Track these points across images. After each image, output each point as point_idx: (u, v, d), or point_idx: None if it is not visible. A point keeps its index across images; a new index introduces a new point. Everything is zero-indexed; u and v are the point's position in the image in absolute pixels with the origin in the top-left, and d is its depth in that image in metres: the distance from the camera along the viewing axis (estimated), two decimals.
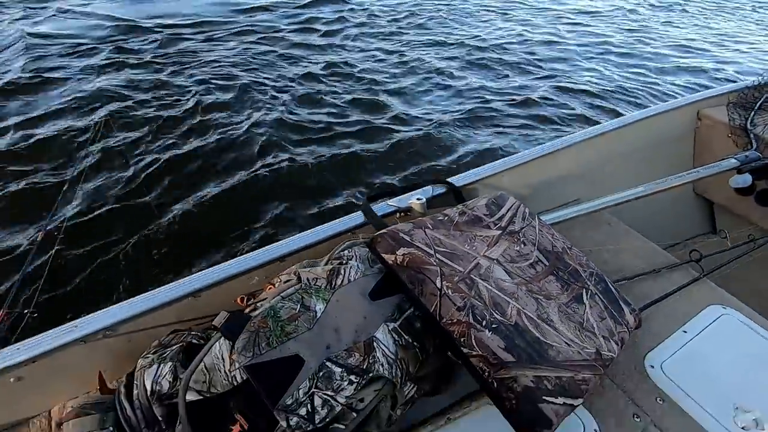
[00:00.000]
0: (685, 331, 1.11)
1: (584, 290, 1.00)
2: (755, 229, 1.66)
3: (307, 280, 0.87)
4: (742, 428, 0.91)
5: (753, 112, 1.70)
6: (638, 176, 1.46)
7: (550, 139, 1.68)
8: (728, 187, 1.76)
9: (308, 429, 0.70)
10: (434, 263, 0.86)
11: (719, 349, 1.06)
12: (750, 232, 1.60)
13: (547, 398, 0.72)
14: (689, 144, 1.79)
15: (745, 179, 1.59)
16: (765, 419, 0.92)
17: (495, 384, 0.74)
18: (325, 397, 0.73)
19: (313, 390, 0.73)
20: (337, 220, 1.12)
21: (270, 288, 0.91)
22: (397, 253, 0.87)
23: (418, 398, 0.86)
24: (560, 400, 0.73)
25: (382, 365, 0.77)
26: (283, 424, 0.70)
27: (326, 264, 0.91)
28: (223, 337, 0.79)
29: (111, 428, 0.72)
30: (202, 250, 2.43)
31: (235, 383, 0.76)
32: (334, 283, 0.86)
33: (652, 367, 1.02)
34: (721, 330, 1.11)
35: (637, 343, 1.08)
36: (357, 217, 1.13)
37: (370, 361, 0.77)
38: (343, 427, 0.73)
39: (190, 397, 0.74)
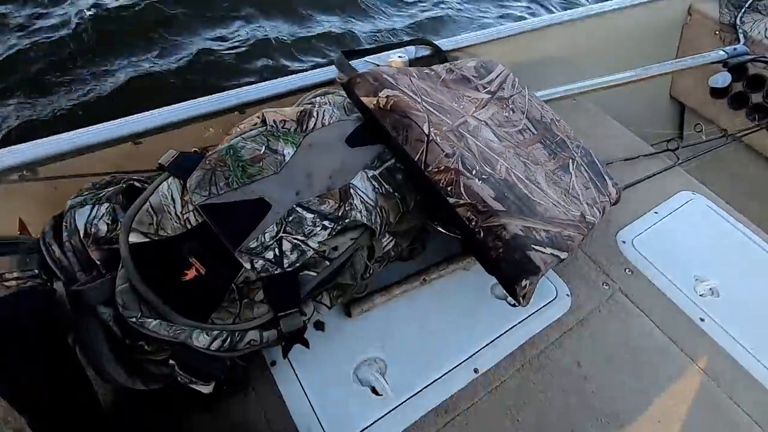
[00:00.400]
0: (656, 212, 1.11)
1: (571, 160, 0.95)
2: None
3: (274, 122, 0.74)
4: (700, 295, 0.95)
5: (743, 10, 1.63)
6: (622, 64, 1.38)
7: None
8: (702, 93, 1.75)
9: (276, 273, 0.62)
10: (421, 110, 0.76)
11: (685, 229, 1.08)
12: (721, 131, 1.61)
13: (536, 247, 0.68)
14: (675, 38, 1.72)
15: (725, 78, 1.56)
16: (719, 287, 0.96)
17: (482, 233, 0.68)
18: (296, 241, 0.65)
19: (281, 234, 0.64)
20: (309, 72, 0.97)
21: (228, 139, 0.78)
22: (379, 95, 0.75)
23: (394, 258, 0.80)
24: (548, 250, 0.69)
25: (360, 212, 0.68)
26: (247, 266, 0.62)
27: (297, 106, 0.78)
28: (171, 176, 0.66)
29: (35, 270, 0.60)
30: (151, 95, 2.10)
31: (189, 226, 0.65)
32: (305, 126, 0.74)
33: (624, 242, 1.03)
34: (689, 213, 1.13)
35: (612, 220, 1.07)
36: (330, 71, 0.98)
37: (347, 208, 0.68)
38: (315, 274, 0.66)
39: (135, 239, 0.63)
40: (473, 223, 0.69)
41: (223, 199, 0.65)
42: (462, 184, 0.69)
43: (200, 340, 0.58)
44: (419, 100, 0.78)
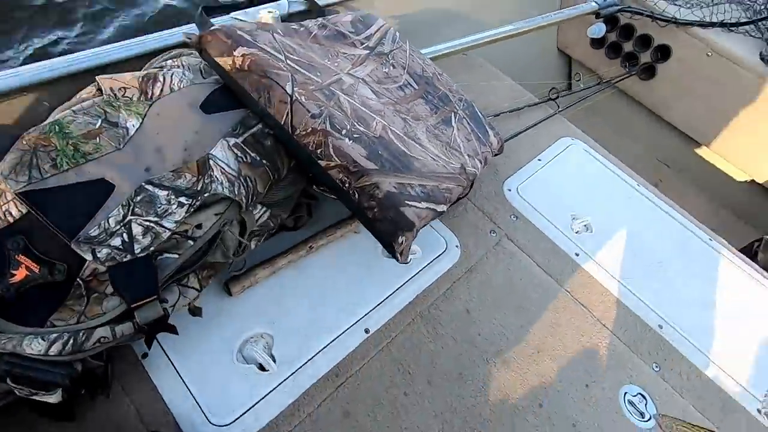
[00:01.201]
0: (540, 160, 1.18)
1: (453, 114, 0.96)
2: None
3: (111, 90, 0.65)
4: (576, 232, 1.03)
5: None
6: (507, 19, 1.41)
7: None
8: (584, 44, 1.86)
9: (125, 260, 0.56)
10: (284, 69, 0.70)
11: (564, 173, 1.16)
12: (598, 80, 1.73)
13: (409, 202, 0.67)
14: None
15: (600, 29, 1.66)
16: (593, 224, 1.05)
17: (356, 194, 0.66)
18: (147, 223, 0.58)
19: (129, 217, 0.58)
20: (161, 33, 0.86)
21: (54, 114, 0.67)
22: (234, 54, 0.68)
23: (275, 229, 0.77)
24: (423, 204, 0.69)
25: (222, 184, 0.63)
26: (88, 257, 0.54)
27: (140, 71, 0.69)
28: None
29: None
30: None
31: (11, 219, 0.56)
32: (150, 94, 0.66)
33: (509, 190, 1.08)
34: (568, 158, 1.21)
35: (499, 171, 1.12)
36: (191, 30, 0.88)
37: (206, 181, 0.62)
38: (176, 256, 0.60)
39: None
40: (347, 185, 0.67)
41: (50, 184, 0.56)
42: (331, 146, 0.66)
43: (34, 346, 0.51)
44: (282, 58, 0.73)
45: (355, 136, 0.70)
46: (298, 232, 0.84)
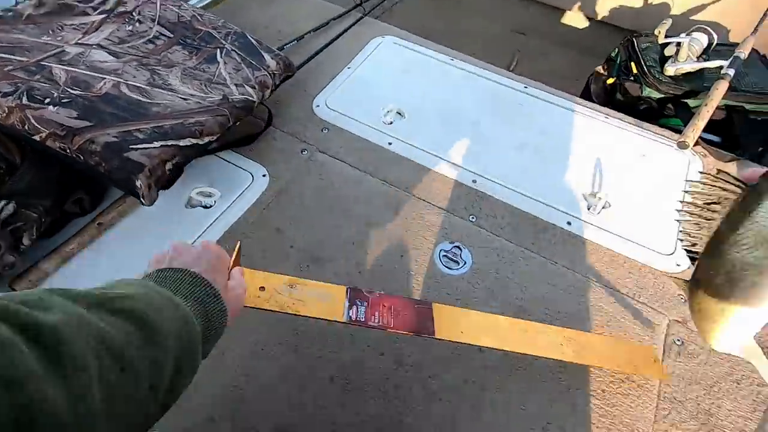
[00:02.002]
0: (350, 67, 1.17)
1: (219, 50, 0.94)
2: None
3: None
4: (390, 123, 1.04)
5: None
6: None
7: None
8: None
9: None
10: None
11: (375, 73, 1.16)
12: None
13: (135, 146, 0.67)
14: None
15: None
16: (405, 110, 1.06)
17: (81, 156, 0.66)
18: None
19: None
20: None
21: None
22: None
23: (63, 219, 0.76)
24: (157, 143, 0.69)
25: None
26: None
27: None
28: None
29: None
30: None
31: None
32: None
33: (318, 106, 1.07)
34: (379, 56, 1.20)
35: (308, 91, 1.11)
36: None
37: None
38: None
39: None
40: (67, 150, 0.66)
41: None
42: (32, 118, 0.65)
43: None
44: None
45: (64, 101, 0.68)
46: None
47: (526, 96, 1.12)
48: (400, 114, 1.06)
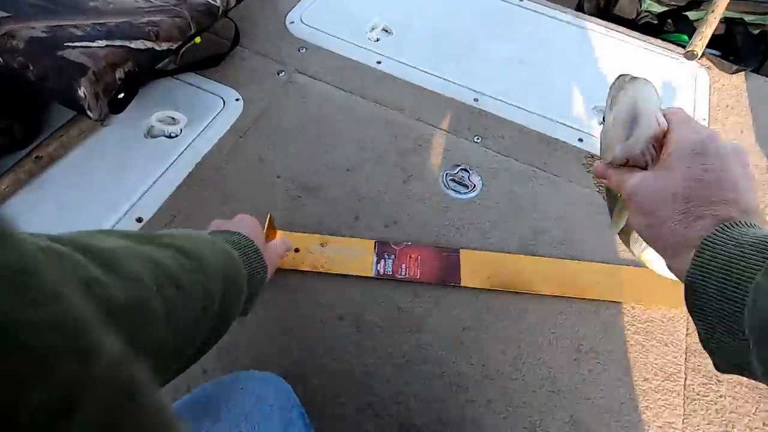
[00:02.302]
0: None
1: None
2: None
3: None
4: (376, 41, 0.92)
5: None
6: None
7: None
8: None
9: None
10: None
11: None
12: None
13: (71, 44, 0.53)
14: None
15: None
16: (393, 27, 0.93)
17: (1, 60, 0.51)
18: None
19: None
20: None
21: None
22: None
23: None
24: (101, 42, 0.55)
25: None
26: None
27: None
28: None
29: None
30: None
31: None
32: None
33: (292, 22, 0.93)
34: None
35: (278, 6, 0.96)
36: None
37: None
38: None
39: None
40: None
41: None
42: None
43: None
44: None
45: None
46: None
47: (521, 9, 1.02)
48: (386, 31, 0.94)
